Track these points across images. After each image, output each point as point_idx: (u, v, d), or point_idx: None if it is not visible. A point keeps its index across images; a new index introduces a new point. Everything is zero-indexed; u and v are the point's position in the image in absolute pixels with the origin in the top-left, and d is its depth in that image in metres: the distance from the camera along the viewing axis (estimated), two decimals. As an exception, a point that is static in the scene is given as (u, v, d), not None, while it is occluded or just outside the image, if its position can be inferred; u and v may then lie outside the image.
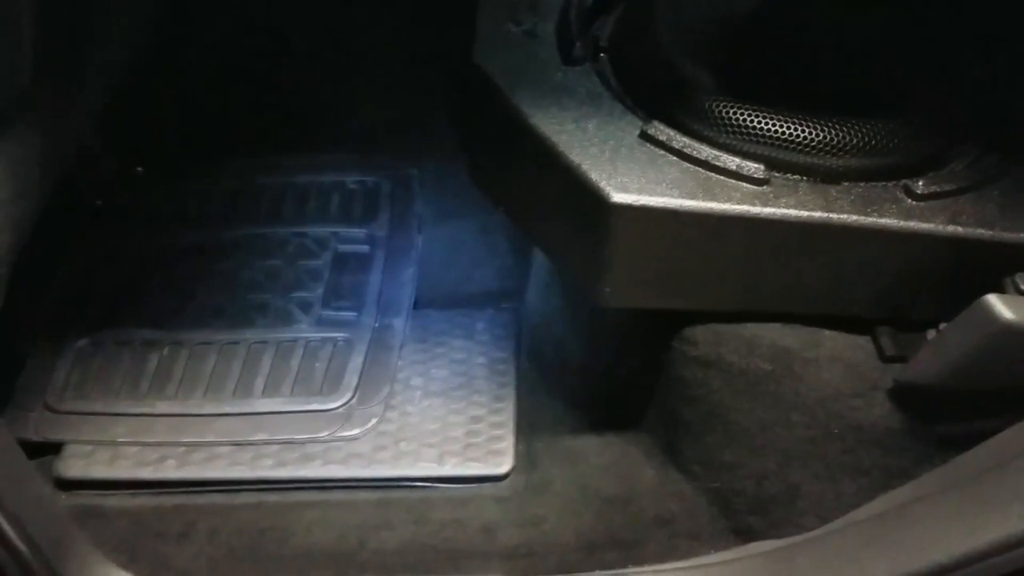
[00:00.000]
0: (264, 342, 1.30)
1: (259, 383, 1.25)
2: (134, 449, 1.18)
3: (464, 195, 1.33)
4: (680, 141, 0.96)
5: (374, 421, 1.22)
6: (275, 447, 1.18)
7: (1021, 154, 0.99)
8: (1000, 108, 1.04)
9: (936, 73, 1.05)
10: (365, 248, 1.45)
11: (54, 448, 1.19)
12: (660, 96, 1.02)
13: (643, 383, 1.14)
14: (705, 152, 0.95)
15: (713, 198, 0.92)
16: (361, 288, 1.39)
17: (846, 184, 0.95)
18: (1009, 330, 0.87)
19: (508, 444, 1.19)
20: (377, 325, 1.34)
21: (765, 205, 0.92)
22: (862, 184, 0.95)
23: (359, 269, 1.42)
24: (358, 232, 1.47)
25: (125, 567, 1.05)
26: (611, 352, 1.18)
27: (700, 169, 0.94)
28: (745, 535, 1.07)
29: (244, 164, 1.57)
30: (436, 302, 1.39)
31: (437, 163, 1.54)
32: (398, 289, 1.39)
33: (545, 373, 1.27)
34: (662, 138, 0.96)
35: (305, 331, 1.32)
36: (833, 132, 0.95)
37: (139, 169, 1.58)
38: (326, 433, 1.20)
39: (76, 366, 1.28)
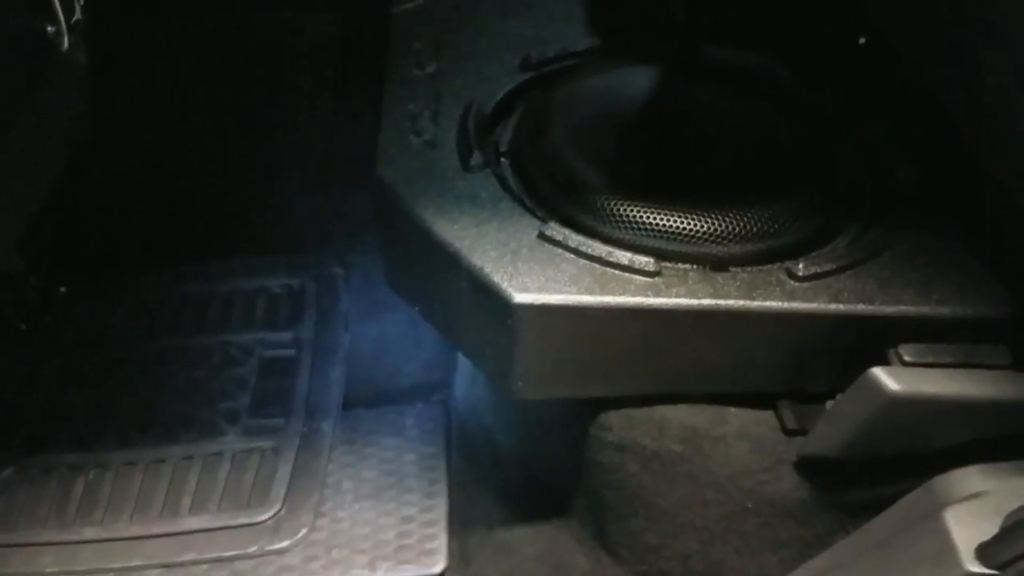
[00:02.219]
0: (190, 457, 1.30)
1: (186, 501, 1.25)
2: (61, 582, 1.17)
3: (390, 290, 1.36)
4: (575, 239, 1.00)
5: (304, 531, 1.22)
6: (204, 567, 1.18)
7: (900, 229, 1.05)
8: (879, 185, 1.11)
9: (815, 156, 1.11)
10: (291, 352, 1.46)
11: (-22, 587, 1.18)
12: (556, 196, 1.07)
13: (568, 469, 1.16)
14: (599, 249, 0.99)
15: (608, 292, 0.96)
16: (288, 393, 1.40)
17: (733, 270, 1.00)
18: (896, 400, 0.92)
19: (441, 543, 1.20)
20: (305, 430, 1.35)
21: (657, 296, 0.96)
22: (748, 269, 1.00)
23: (286, 374, 1.43)
24: (284, 336, 1.48)
25: None
26: (535, 440, 1.20)
27: (596, 265, 0.99)
28: (675, 615, 1.09)
29: (168, 274, 1.59)
30: (365, 400, 1.41)
31: (363, 259, 1.57)
32: (326, 391, 1.41)
33: (476, 465, 1.29)
34: (558, 238, 1.00)
35: (232, 443, 1.33)
36: (716, 222, 1.01)
37: (62, 289, 1.58)
38: (255, 548, 1.20)
39: (2, 496, 1.26)
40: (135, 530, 1.22)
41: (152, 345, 1.47)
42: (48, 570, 1.18)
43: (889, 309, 0.97)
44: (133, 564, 1.18)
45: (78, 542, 1.20)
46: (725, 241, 1.00)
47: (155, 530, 1.22)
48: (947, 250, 1.02)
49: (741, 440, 1.03)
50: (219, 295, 1.56)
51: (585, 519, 1.16)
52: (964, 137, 0.97)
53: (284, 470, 1.29)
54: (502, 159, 1.15)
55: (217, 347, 1.46)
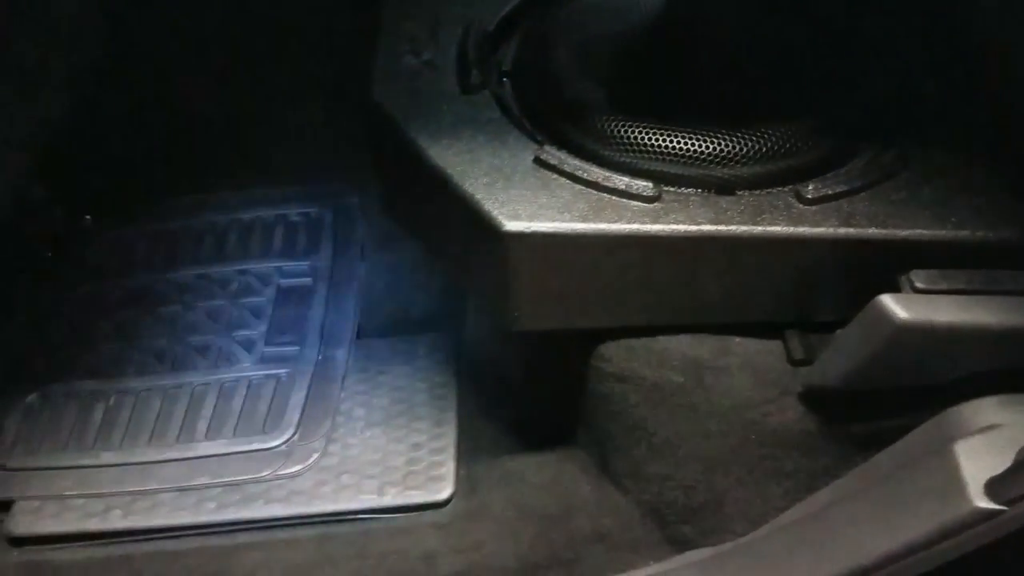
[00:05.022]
0: (207, 384, 1.32)
1: (202, 426, 1.27)
2: (81, 501, 1.20)
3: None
4: (571, 164, 0.96)
5: (315, 456, 1.23)
6: (217, 490, 1.20)
7: (920, 150, 0.99)
8: (899, 103, 1.04)
9: (832, 75, 1.05)
10: (308, 281, 1.46)
11: (4, 507, 1.21)
12: (556, 118, 1.03)
13: (573, 401, 1.15)
14: (596, 173, 0.95)
15: (603, 219, 0.93)
16: (304, 322, 1.40)
17: (739, 194, 0.95)
18: (905, 329, 0.88)
19: (448, 470, 1.20)
20: (320, 358, 1.35)
21: (655, 222, 0.92)
22: (755, 192, 0.95)
23: (302, 303, 1.43)
24: (301, 265, 1.48)
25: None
26: (540, 372, 1.19)
27: (591, 191, 0.95)
28: (679, 544, 1.08)
29: (189, 204, 1.59)
30: (379, 329, 1.40)
31: (379, 189, 1.56)
32: (341, 320, 1.40)
33: (484, 395, 1.28)
34: (554, 162, 0.97)
35: (248, 370, 1.34)
36: (721, 143, 0.96)
37: (87, 218, 1.60)
38: (268, 472, 1.21)
39: (25, 422, 1.30)
40: (152, 454, 1.24)
41: (173, 274, 1.48)
42: (68, 492, 1.21)
43: (903, 233, 0.92)
44: (149, 487, 1.21)
45: (97, 466, 1.23)
46: (730, 163, 0.96)
47: (171, 455, 1.24)
48: (969, 171, 0.96)
49: (744, 371, 0.99)
50: (239, 224, 1.56)
51: (590, 450, 1.15)
52: (990, 51, 0.90)
53: (298, 397, 1.29)
54: (504, 80, 1.11)
55: (236, 276, 1.47)
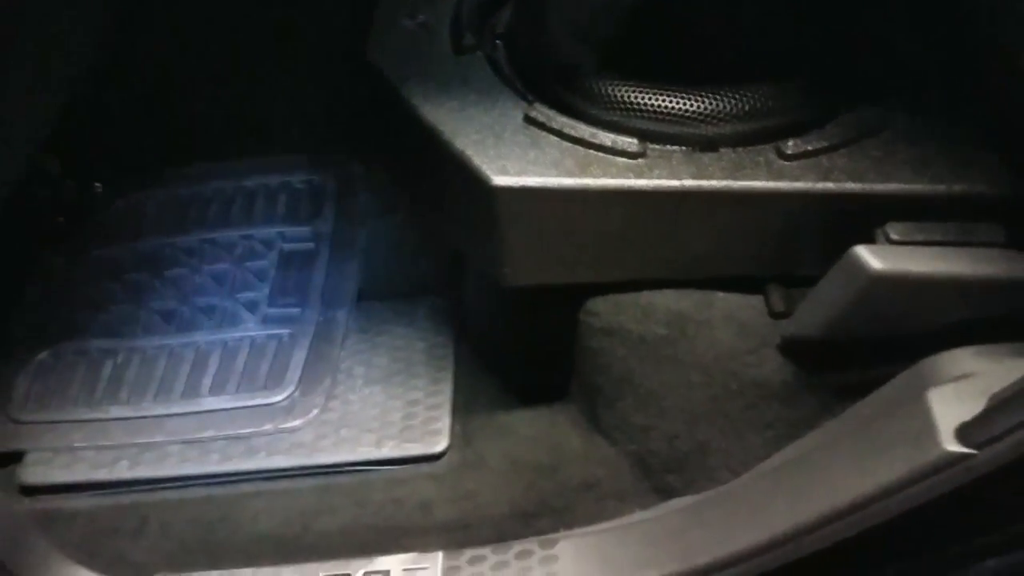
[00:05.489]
0: (212, 343, 1.36)
1: (206, 382, 1.31)
2: (90, 453, 1.25)
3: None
4: (559, 121, 0.99)
5: (316, 411, 1.27)
6: (221, 442, 1.24)
7: (901, 108, 1.01)
8: (881, 63, 1.06)
9: (815, 35, 1.07)
10: (311, 245, 1.50)
11: (16, 457, 1.26)
12: (546, 79, 1.06)
13: (563, 355, 1.18)
14: (583, 130, 0.98)
15: (590, 174, 0.96)
16: (306, 285, 1.44)
17: (722, 151, 0.98)
18: (879, 279, 0.90)
19: (444, 424, 1.24)
20: (321, 319, 1.39)
21: (639, 177, 0.95)
22: (737, 149, 0.98)
23: (304, 266, 1.47)
24: (304, 230, 1.52)
25: (84, 564, 1.11)
26: (533, 328, 1.22)
27: (579, 147, 0.98)
28: (665, 493, 1.11)
29: (198, 171, 1.63)
30: (379, 293, 1.44)
31: (379, 155, 1.58)
32: (342, 283, 1.44)
33: (481, 354, 1.31)
34: (543, 120, 1.00)
35: (251, 330, 1.38)
36: (705, 101, 0.98)
37: (97, 186, 1.64)
38: (270, 426, 1.25)
39: (37, 378, 1.34)
40: (158, 409, 1.28)
41: (181, 238, 1.52)
42: (78, 444, 1.25)
43: (880, 187, 0.95)
44: (156, 439, 1.25)
45: (106, 419, 1.28)
46: (714, 121, 0.99)
47: (176, 409, 1.28)
48: (949, 128, 0.98)
49: (727, 323, 1.02)
50: (244, 191, 1.60)
51: (580, 402, 1.18)
52: (971, 8, 0.92)
53: (299, 356, 1.33)
54: (497, 42, 1.13)
55: (241, 241, 1.51)
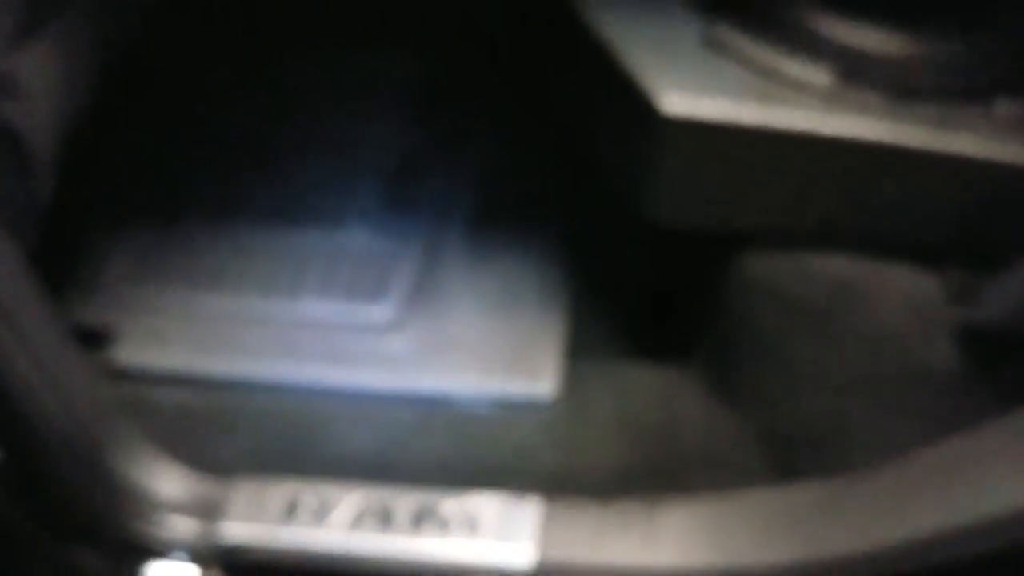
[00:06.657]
0: (318, 246, 1.30)
1: (310, 287, 1.25)
2: (183, 343, 1.20)
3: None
4: (744, 46, 0.89)
5: (420, 332, 1.20)
6: (321, 352, 1.19)
7: None
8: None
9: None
10: (426, 162, 1.42)
11: (105, 338, 1.22)
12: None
13: (696, 310, 1.09)
14: (771, 59, 0.88)
15: (774, 112, 0.86)
16: (419, 200, 1.37)
17: (924, 102, 0.87)
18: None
19: (553, 366, 1.17)
20: (433, 237, 1.32)
21: (829, 121, 0.85)
22: (941, 104, 0.87)
23: (419, 181, 1.39)
24: (419, 136, 1.43)
25: (169, 455, 1.08)
26: (665, 276, 1.13)
27: (763, 79, 0.88)
28: (791, 472, 1.02)
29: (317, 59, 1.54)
30: (496, 215, 1.36)
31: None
32: (457, 203, 1.37)
33: (598, 294, 1.23)
34: (725, 42, 0.89)
35: (360, 238, 1.31)
36: (912, 44, 0.87)
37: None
38: (371, 341, 1.20)
39: (134, 257, 1.29)
40: (257, 308, 1.23)
41: (296, 131, 1.44)
42: (171, 333, 1.21)
43: (1106, 167, 0.83)
44: (253, 341, 1.20)
45: (203, 313, 1.23)
46: (919, 67, 0.87)
47: (276, 312, 1.22)
48: None
49: (896, 300, 0.92)
50: (362, 94, 1.52)
51: (707, 363, 1.10)
52: None
53: (407, 271, 1.27)
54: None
55: (358, 140, 1.43)
